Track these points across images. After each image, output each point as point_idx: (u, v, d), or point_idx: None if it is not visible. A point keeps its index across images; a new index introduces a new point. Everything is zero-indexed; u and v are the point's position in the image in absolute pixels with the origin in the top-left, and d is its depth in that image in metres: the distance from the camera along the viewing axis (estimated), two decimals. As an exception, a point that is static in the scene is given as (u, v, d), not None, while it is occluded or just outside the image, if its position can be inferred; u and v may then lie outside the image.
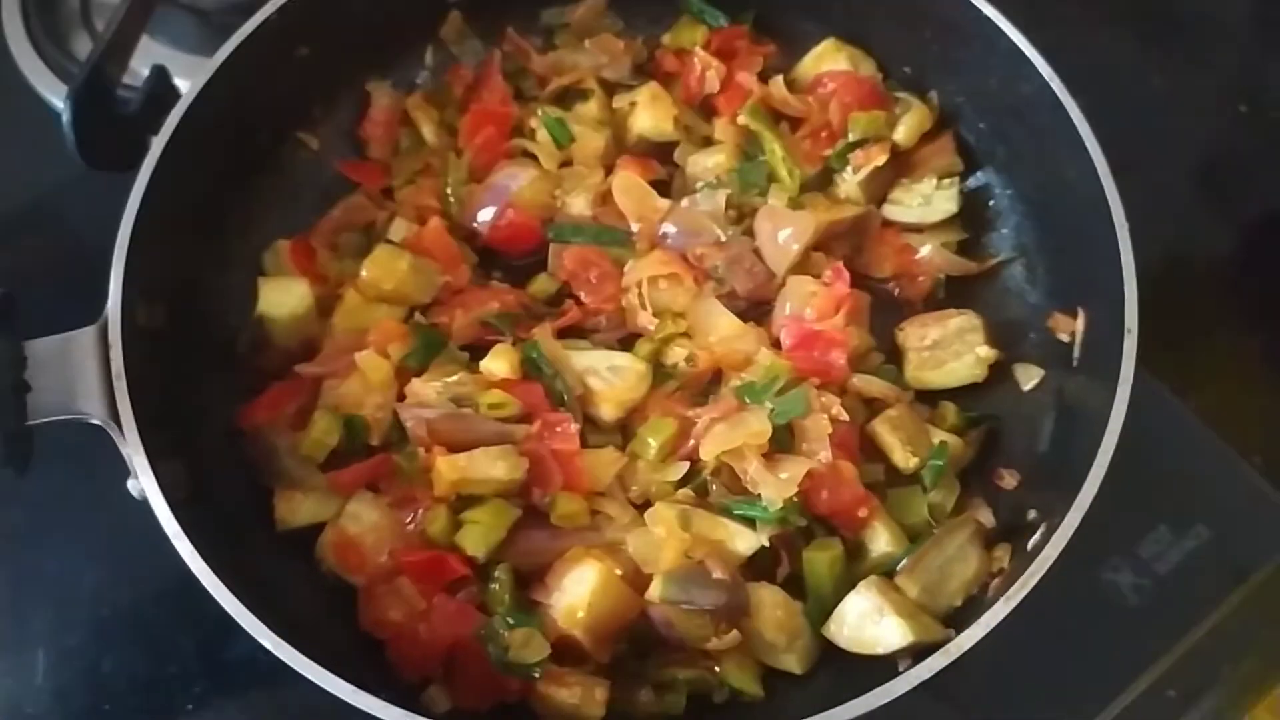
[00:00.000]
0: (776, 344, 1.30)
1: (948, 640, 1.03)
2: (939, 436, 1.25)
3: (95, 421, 1.06)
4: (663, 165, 1.43)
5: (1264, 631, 1.31)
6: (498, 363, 1.23)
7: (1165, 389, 1.37)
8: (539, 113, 1.42)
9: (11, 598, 1.32)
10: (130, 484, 1.06)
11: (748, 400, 1.22)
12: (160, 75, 1.45)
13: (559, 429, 1.20)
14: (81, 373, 1.07)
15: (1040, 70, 1.25)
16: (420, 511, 1.18)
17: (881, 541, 1.18)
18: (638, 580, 1.14)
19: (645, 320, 1.32)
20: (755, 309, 1.34)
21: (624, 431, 1.26)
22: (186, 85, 1.45)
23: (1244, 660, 1.30)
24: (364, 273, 1.29)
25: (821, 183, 1.42)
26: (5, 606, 1.32)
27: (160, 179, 1.19)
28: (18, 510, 1.37)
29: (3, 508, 1.37)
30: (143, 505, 1.06)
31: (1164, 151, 1.56)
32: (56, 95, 1.62)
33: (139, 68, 1.43)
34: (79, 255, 1.53)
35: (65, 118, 1.32)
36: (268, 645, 0.97)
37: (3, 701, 1.27)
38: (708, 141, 1.44)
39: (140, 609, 1.31)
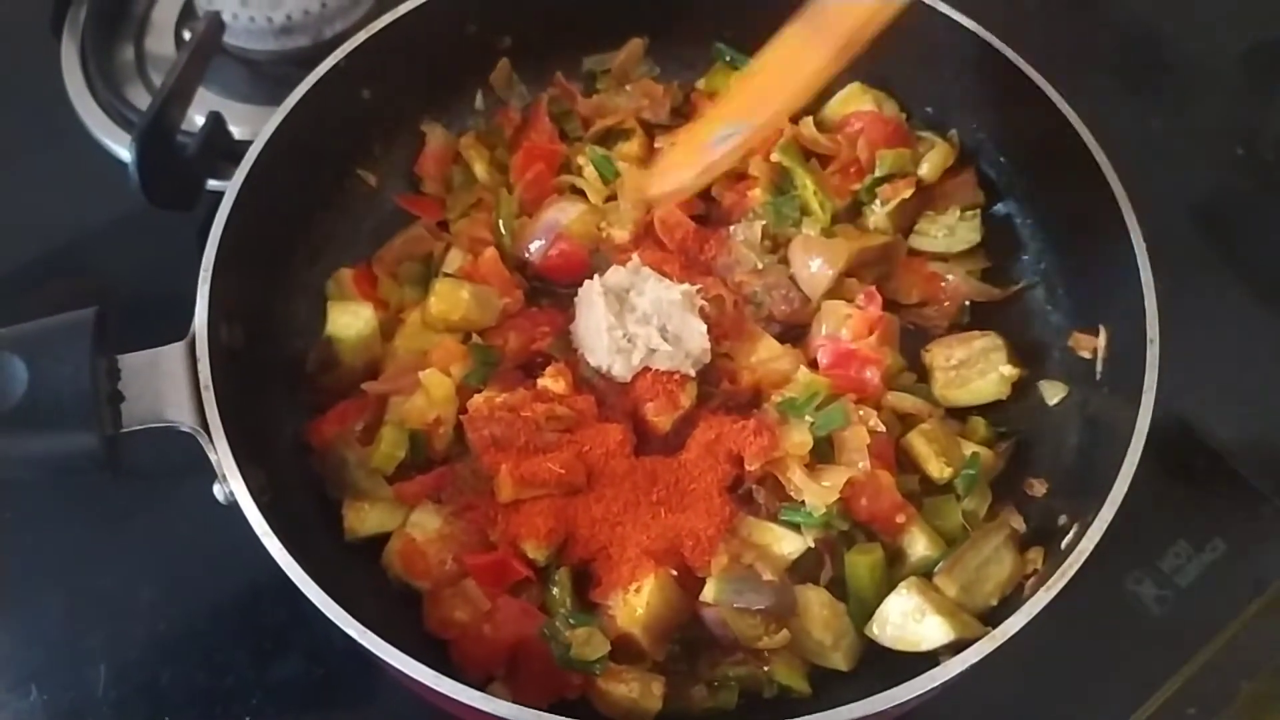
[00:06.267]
0: (813, 364, 1.36)
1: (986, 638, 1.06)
2: (970, 449, 1.31)
3: (185, 429, 1.12)
4: (701, 200, 1.51)
5: (1281, 645, 1.36)
6: (555, 381, 1.29)
7: (1177, 410, 1.42)
8: (588, 150, 1.51)
9: (72, 614, 1.36)
10: (216, 489, 1.11)
11: (789, 414, 1.28)
12: (217, 121, 1.55)
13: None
14: (171, 384, 1.13)
15: (1058, 105, 1.33)
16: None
17: (919, 546, 1.23)
18: (692, 583, 1.20)
19: (687, 343, 1.38)
20: (792, 331, 1.41)
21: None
22: (239, 130, 1.55)
23: (1261, 677, 1.34)
24: (432, 308, 1.36)
25: (851, 215, 1.49)
26: (66, 623, 1.36)
27: (237, 212, 1.25)
28: (77, 529, 1.42)
29: (62, 527, 1.42)
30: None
31: (1164, 193, 1.61)
32: (114, 141, 1.69)
33: (194, 115, 1.52)
34: (138, 287, 1.60)
35: (131, 160, 1.42)
36: (353, 634, 1.01)
37: (67, 715, 1.30)
38: (743, 177, 1.51)
39: (196, 623, 1.35)
